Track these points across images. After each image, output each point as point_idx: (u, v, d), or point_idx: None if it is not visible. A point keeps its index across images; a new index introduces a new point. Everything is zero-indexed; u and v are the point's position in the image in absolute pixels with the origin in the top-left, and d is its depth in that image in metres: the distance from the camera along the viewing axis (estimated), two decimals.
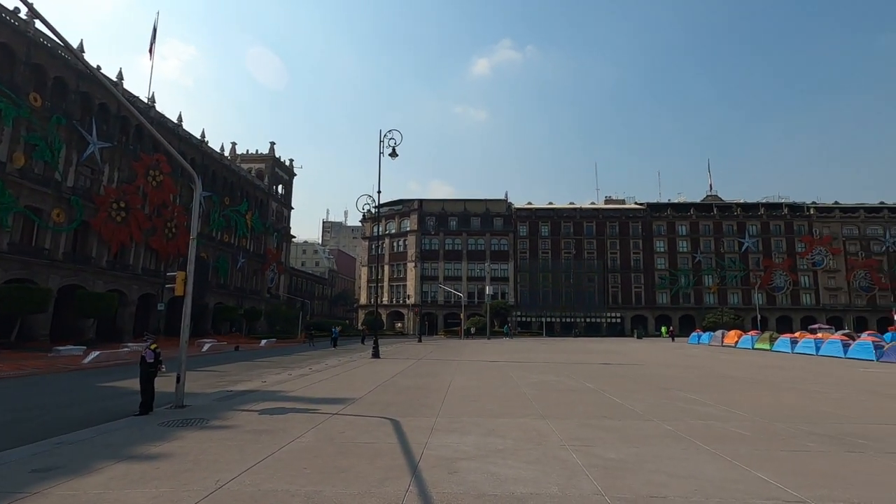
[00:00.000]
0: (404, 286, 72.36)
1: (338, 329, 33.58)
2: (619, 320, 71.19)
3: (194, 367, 17.51)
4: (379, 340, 21.87)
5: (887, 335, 31.45)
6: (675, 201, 78.78)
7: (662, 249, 74.02)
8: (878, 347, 21.18)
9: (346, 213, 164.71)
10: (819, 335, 29.54)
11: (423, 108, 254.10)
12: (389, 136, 20.52)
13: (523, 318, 69.28)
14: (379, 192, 21.47)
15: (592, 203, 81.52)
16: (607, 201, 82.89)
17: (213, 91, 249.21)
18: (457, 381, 12.68)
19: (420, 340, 40.64)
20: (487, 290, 59.17)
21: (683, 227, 74.52)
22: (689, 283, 72.59)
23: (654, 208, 76.70)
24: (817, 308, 70.88)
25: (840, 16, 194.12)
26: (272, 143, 63.83)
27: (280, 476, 4.60)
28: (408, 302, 68.69)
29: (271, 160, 63.48)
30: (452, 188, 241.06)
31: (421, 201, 77.07)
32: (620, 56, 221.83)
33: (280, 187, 67.18)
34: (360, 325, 64.66)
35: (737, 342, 32.82)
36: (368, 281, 72.43)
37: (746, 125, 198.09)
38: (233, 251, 51.83)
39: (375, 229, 70.76)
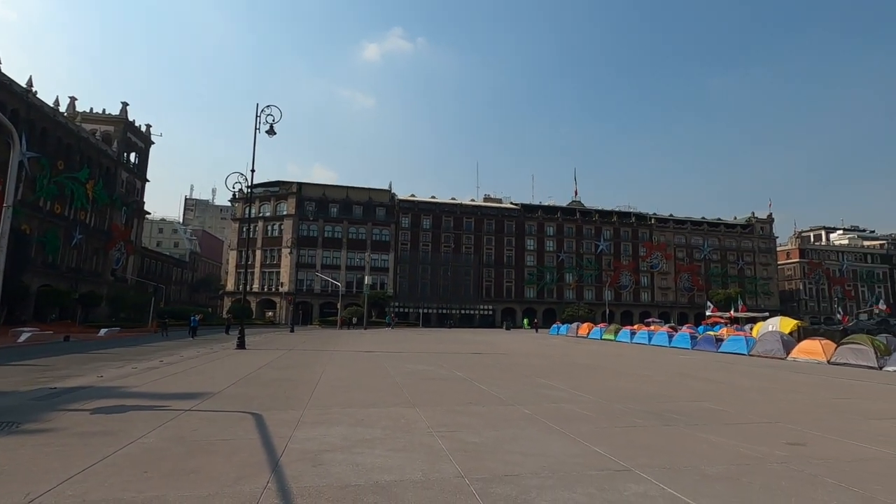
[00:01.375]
0: (278, 273, 68.54)
1: (198, 317, 30.53)
2: (490, 312, 75.49)
3: (6, 361, 14.65)
4: (246, 330, 20.39)
5: (700, 328, 37.83)
6: (546, 204, 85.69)
7: (532, 247, 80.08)
8: (693, 338, 25.42)
9: (214, 190, 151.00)
10: (652, 328, 34.48)
11: (307, 88, 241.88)
12: (267, 111, 19.15)
13: (401, 309, 69.97)
14: (252, 170, 19.94)
15: (473, 200, 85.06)
16: (486, 199, 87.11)
17: (50, 34, 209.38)
18: (329, 372, 12.36)
19: (293, 330, 38.87)
20: (367, 279, 58.69)
21: (551, 228, 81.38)
22: (554, 279, 79.65)
23: (528, 209, 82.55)
24: (652, 304, 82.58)
25: (696, 56, 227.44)
26: (125, 104, 55.58)
27: (113, 483, 4.03)
28: (281, 290, 65.21)
29: (122, 123, 55.22)
30: (335, 174, 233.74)
31: (300, 185, 73.48)
32: (505, 62, 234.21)
33: (133, 155, 58.91)
34: (225, 313, 59.62)
35: (588, 333, 36.91)
36: (237, 266, 67.13)
37: (609, 140, 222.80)
38: (66, 225, 44.21)
39: (248, 211, 65.82)
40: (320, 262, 69.54)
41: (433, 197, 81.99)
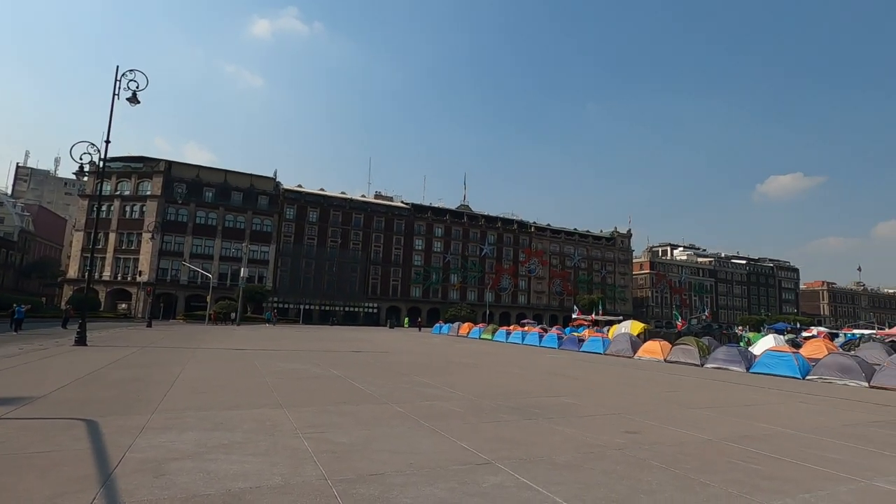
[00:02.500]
0: (136, 260, 60.93)
1: (24, 308, 25.70)
2: (375, 310, 74.93)
3: None
4: (92, 324, 17.71)
5: (567, 329, 41.50)
6: (436, 205, 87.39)
7: (420, 247, 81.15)
8: (559, 339, 27.78)
9: (57, 160, 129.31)
10: (526, 328, 36.97)
11: (183, 57, 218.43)
12: (130, 76, 16.87)
13: (282, 305, 66.42)
14: (107, 141, 17.40)
15: (363, 196, 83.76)
16: (377, 196, 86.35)
17: None
18: (189, 371, 11.24)
19: (150, 325, 34.70)
20: (243, 272, 54.61)
21: (440, 230, 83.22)
22: (439, 279, 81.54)
23: (418, 209, 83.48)
24: (528, 307, 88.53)
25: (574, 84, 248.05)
26: None
27: None
28: (139, 279, 58.01)
29: None
30: (213, 155, 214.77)
31: (170, 163, 66.13)
32: (408, 59, 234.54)
33: None
34: (63, 304, 51.18)
35: (468, 333, 38.44)
36: (84, 249, 58.13)
37: (501, 148, 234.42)
38: None
39: (101, 187, 57.29)
40: (189, 251, 63.11)
41: (322, 189, 79.16)
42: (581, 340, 26.65)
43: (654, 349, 21.41)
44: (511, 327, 39.43)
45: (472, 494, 3.95)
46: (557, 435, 6.32)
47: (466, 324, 42.47)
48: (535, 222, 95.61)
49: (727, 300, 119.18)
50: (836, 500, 4.26)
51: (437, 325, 47.96)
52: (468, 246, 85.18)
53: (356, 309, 73.32)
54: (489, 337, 34.62)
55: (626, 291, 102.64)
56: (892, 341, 27.59)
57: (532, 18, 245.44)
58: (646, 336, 28.20)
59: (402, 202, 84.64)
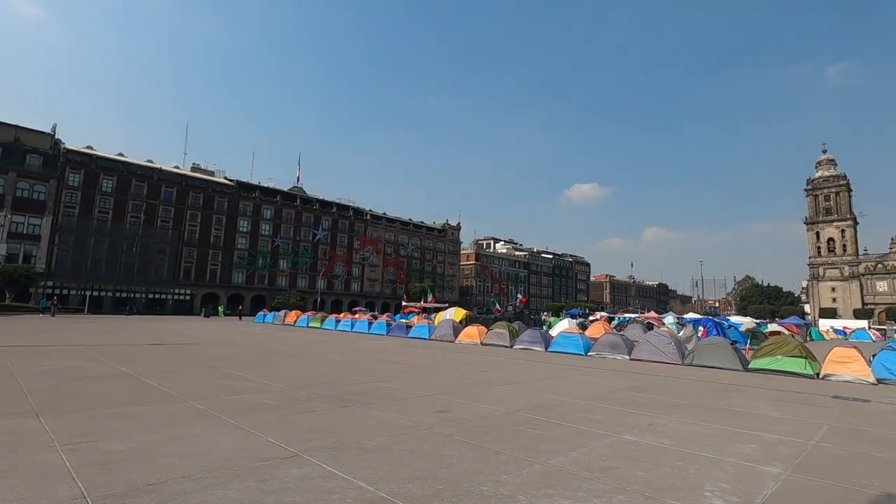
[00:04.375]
0: None
1: None
2: (188, 298, 66.74)
3: None
4: None
5: (397, 316, 42.56)
6: (266, 185, 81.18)
7: (246, 229, 74.64)
8: (388, 325, 28.35)
9: None
10: (356, 316, 36.81)
11: None
12: None
13: (59, 290, 54.59)
14: None
15: (177, 167, 73.46)
16: (195, 169, 76.61)
17: None
18: None
19: None
20: (2, 249, 43.22)
21: (269, 212, 77.60)
22: (267, 265, 76.15)
23: (244, 187, 76.53)
24: (361, 294, 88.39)
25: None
26: None
27: None
28: None
29: None
30: None
31: None
32: (244, 15, 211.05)
33: None
34: None
35: (296, 321, 36.70)
36: None
37: (340, 130, 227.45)
38: None
39: None
40: None
41: (121, 154, 66.89)
42: (409, 327, 27.60)
43: (472, 333, 23.27)
44: (341, 315, 38.88)
45: (270, 492, 3.70)
46: (372, 420, 6.37)
47: (294, 312, 40.47)
48: (371, 210, 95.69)
49: (537, 289, 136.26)
50: (595, 453, 5.12)
51: (261, 313, 44.69)
52: (301, 230, 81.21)
53: (163, 296, 64.15)
54: (318, 325, 33.58)
55: (454, 280, 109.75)
56: (649, 322, 34.77)
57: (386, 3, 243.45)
58: (467, 322, 30.54)
59: (226, 178, 76.55)
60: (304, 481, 3.95)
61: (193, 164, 77.90)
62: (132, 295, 60.39)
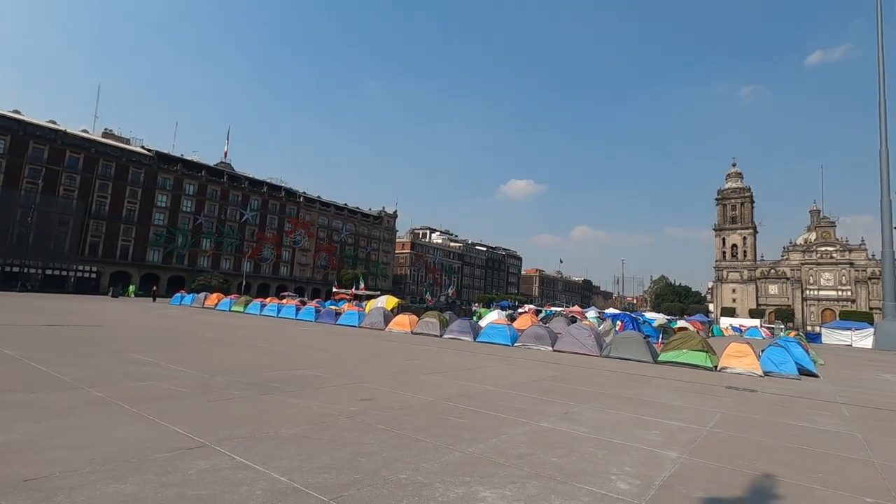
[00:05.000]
0: None
1: None
2: (94, 275, 61.20)
3: None
4: None
5: (327, 302, 41.56)
6: (189, 158, 75.82)
7: (164, 204, 69.50)
8: (317, 311, 27.60)
9: None
10: (284, 301, 35.50)
11: None
12: None
13: None
14: None
15: (85, 131, 66.73)
16: (106, 135, 69.97)
17: None
18: None
19: None
20: None
21: (192, 187, 72.77)
22: (187, 243, 71.49)
23: (164, 159, 71.09)
24: (290, 279, 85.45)
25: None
26: None
27: None
28: None
29: None
30: None
31: None
32: None
33: None
34: None
35: (217, 304, 34.76)
36: None
37: (275, 106, 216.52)
38: None
39: None
40: None
41: (16, 112, 59.55)
42: (339, 314, 27.03)
43: (403, 322, 23.22)
44: (268, 299, 37.32)
45: (170, 485, 3.44)
46: (292, 408, 6.14)
47: (215, 294, 38.26)
48: (305, 192, 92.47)
49: (470, 280, 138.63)
50: (513, 440, 5.27)
51: (178, 294, 41.81)
52: (227, 209, 76.85)
53: (65, 272, 58.29)
54: (241, 309, 32.00)
55: (388, 268, 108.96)
56: (573, 316, 36.52)
57: None
58: (399, 310, 30.44)
59: (144, 148, 70.57)
60: (211, 473, 3.72)
61: (105, 129, 71.02)
62: (26, 270, 54.30)
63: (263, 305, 31.26)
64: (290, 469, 3.91)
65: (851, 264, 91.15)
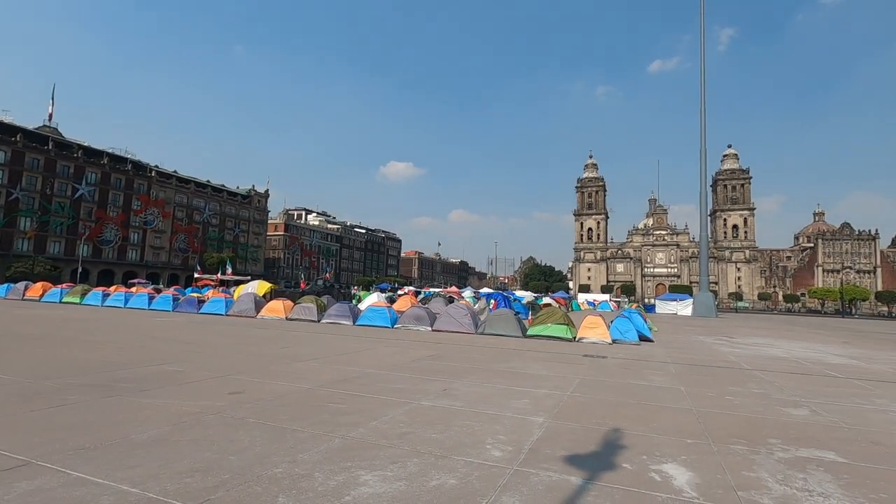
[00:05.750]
0: None
1: None
2: None
3: None
4: None
5: (189, 289, 37.60)
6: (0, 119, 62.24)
7: None
8: (175, 300, 24.79)
9: None
10: (135, 290, 31.25)
11: None
12: None
13: None
14: None
15: None
16: None
17: None
18: None
19: None
20: None
21: (5, 154, 60.01)
22: None
23: None
24: (140, 264, 75.55)
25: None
26: None
27: None
28: None
29: None
30: None
31: None
32: None
33: None
34: None
35: (42, 295, 29.38)
36: None
37: (117, 68, 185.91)
38: None
39: None
40: None
41: None
42: (201, 302, 24.59)
43: (277, 308, 21.96)
44: (112, 288, 32.54)
45: None
46: (146, 409, 5.44)
47: (40, 283, 32.22)
48: (157, 166, 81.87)
49: (349, 263, 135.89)
50: (394, 420, 5.30)
51: None
52: (54, 182, 64.90)
53: None
54: (77, 300, 27.44)
55: (259, 252, 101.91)
56: (451, 296, 37.87)
57: None
58: (272, 296, 28.65)
59: None
60: (36, 495, 3.13)
61: None
62: None
63: (107, 295, 27.18)
64: (145, 478, 3.46)
65: (678, 245, 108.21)
